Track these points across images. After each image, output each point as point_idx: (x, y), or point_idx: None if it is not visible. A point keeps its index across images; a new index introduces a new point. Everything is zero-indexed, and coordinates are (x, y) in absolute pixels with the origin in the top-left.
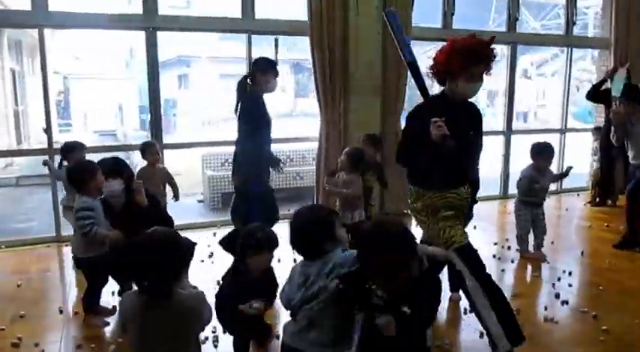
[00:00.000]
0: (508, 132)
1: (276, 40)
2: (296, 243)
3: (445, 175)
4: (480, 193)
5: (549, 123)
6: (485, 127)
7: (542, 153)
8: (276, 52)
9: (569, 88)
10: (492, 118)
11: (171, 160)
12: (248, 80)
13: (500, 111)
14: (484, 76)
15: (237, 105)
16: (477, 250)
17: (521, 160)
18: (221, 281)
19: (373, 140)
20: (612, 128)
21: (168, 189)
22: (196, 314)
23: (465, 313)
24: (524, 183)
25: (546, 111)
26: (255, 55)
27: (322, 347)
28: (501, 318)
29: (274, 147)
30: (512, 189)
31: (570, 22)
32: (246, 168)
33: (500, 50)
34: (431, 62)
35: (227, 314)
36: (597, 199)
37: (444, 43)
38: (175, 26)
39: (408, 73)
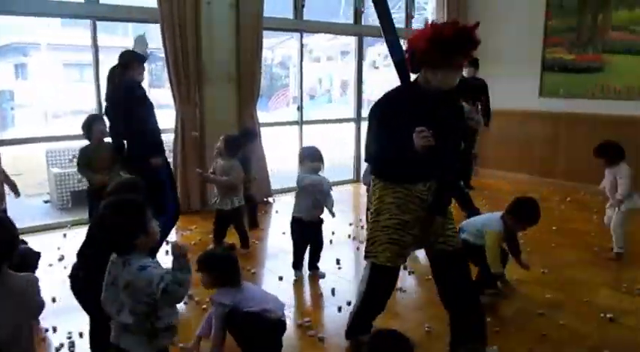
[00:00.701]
0: (358, 119)
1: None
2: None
3: (404, 168)
4: (335, 178)
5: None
6: (339, 115)
7: None
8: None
9: None
10: (346, 106)
11: (10, 159)
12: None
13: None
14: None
15: (109, 95)
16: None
17: None
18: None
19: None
20: None
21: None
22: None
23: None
24: None
25: None
26: (102, 44)
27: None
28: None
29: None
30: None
31: (409, 17)
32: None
33: (364, 41)
34: (406, 47)
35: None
36: None
37: (422, 27)
38: (9, 10)
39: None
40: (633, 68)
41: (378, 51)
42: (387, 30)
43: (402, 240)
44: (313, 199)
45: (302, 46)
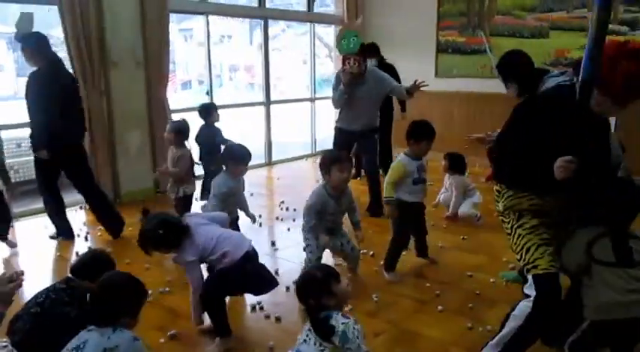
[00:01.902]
0: (267, 103)
1: None
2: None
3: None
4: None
5: (288, 94)
6: (246, 100)
7: None
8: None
9: (314, 61)
10: (235, 91)
11: None
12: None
13: (242, 85)
14: None
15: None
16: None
17: (281, 128)
18: None
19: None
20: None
21: None
22: None
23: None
24: None
25: (285, 82)
26: None
27: None
28: None
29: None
30: (276, 156)
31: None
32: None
33: (249, 23)
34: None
35: None
36: None
37: (615, 53)
38: None
39: None
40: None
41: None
42: (598, 43)
43: (551, 240)
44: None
45: (208, 26)
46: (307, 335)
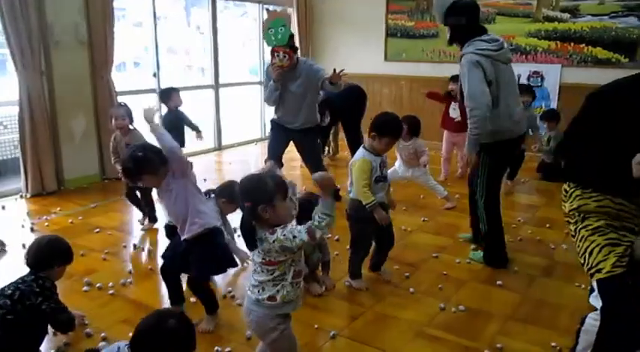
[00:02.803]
0: (216, 86)
1: None
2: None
3: (618, 180)
4: (196, 147)
5: (228, 78)
6: (195, 83)
7: None
8: None
9: (263, 44)
10: (174, 74)
11: None
12: None
13: (180, 68)
14: None
15: None
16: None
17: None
18: None
19: None
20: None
21: None
22: None
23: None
24: None
25: (225, 66)
26: None
27: None
28: None
29: None
30: (225, 141)
31: None
32: None
33: (185, 2)
34: None
35: None
36: None
37: None
38: None
39: None
40: None
41: (203, 13)
42: None
43: (622, 241)
44: None
45: (154, 7)
46: None
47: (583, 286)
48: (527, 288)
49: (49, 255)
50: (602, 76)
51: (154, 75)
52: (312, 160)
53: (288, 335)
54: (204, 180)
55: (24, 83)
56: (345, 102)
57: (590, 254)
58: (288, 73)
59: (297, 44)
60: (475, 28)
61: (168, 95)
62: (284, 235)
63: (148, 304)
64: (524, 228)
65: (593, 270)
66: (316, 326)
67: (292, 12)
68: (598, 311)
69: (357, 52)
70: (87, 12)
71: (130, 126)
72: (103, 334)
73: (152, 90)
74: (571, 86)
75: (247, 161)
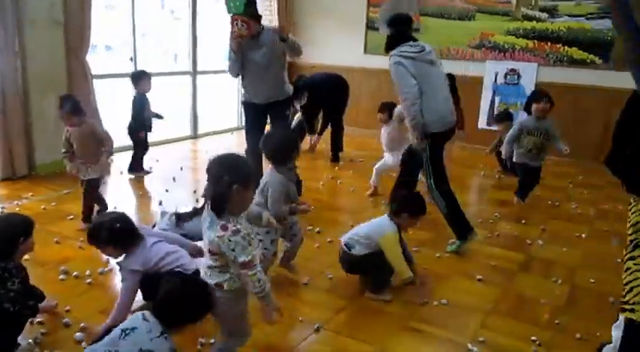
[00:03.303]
0: (194, 72)
1: None
2: None
3: None
4: (172, 135)
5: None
6: (170, 69)
7: None
8: None
9: None
10: (150, 59)
11: None
12: None
13: (155, 53)
14: None
15: None
16: None
17: (207, 98)
18: None
19: None
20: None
21: None
22: None
23: None
24: None
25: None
26: None
27: None
28: None
29: None
30: (202, 129)
31: None
32: None
33: None
34: None
35: None
36: None
37: None
38: None
39: None
40: (444, 30)
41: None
42: None
43: None
44: None
45: None
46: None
47: (560, 281)
48: (507, 283)
49: (9, 237)
50: (577, 76)
51: (131, 59)
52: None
53: (241, 316)
54: (181, 168)
55: None
56: (329, 93)
57: (631, 290)
58: (251, 43)
59: (259, 12)
60: (406, 37)
61: (137, 79)
62: (230, 240)
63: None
64: (501, 223)
65: (627, 307)
66: (300, 318)
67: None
68: (616, 345)
69: (337, 44)
70: None
71: (80, 119)
72: (82, 324)
73: (128, 75)
74: (547, 85)
75: (224, 150)
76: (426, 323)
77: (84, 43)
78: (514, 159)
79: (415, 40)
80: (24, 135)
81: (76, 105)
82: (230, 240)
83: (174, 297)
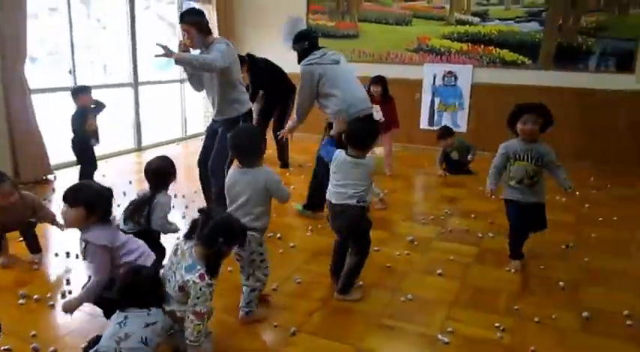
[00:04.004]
0: (135, 84)
1: None
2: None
3: None
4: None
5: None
6: (111, 80)
7: None
8: None
9: None
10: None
11: None
12: None
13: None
14: None
15: None
16: None
17: (150, 110)
18: None
19: None
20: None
21: None
22: None
23: None
24: None
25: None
26: None
27: None
28: None
29: None
30: (146, 141)
31: None
32: None
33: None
34: None
35: None
36: None
37: None
38: None
39: None
40: (383, 35)
41: (103, 6)
42: None
43: None
44: None
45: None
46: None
47: (512, 271)
48: (464, 275)
49: None
50: (509, 76)
51: (70, 72)
52: (213, 159)
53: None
54: (130, 182)
55: None
56: (280, 94)
57: None
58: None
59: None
60: (310, 49)
61: (77, 93)
62: (201, 289)
63: (94, 312)
64: (451, 219)
65: None
66: (275, 324)
67: (211, 10)
68: None
69: (279, 53)
70: None
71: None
72: (51, 348)
73: (67, 89)
74: (481, 85)
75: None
76: (395, 319)
77: (20, 56)
78: (503, 196)
79: (319, 48)
80: None
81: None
82: (201, 289)
83: (133, 284)
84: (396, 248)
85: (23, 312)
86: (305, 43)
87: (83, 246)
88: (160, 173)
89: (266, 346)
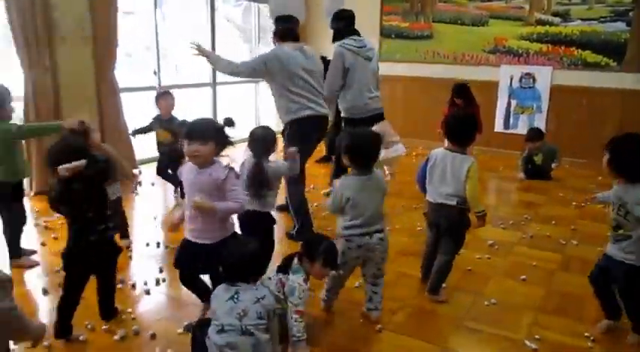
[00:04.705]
0: (214, 83)
1: None
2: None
3: None
4: None
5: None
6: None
7: None
8: None
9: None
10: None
11: None
12: None
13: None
14: None
15: None
16: None
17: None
18: None
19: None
20: None
21: None
22: None
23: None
24: None
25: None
26: None
27: None
28: None
29: None
30: None
31: None
32: None
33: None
34: None
35: None
36: None
37: None
38: None
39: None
40: (458, 36)
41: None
42: None
43: None
44: None
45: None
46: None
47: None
48: (549, 282)
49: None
50: (591, 79)
51: (155, 73)
52: None
53: None
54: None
55: (29, 79)
56: None
57: None
58: None
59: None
60: (350, 31)
61: (157, 98)
62: (303, 291)
63: (188, 300)
64: (532, 225)
65: None
66: (361, 320)
67: None
68: None
69: None
70: (92, 5)
71: None
72: (150, 332)
73: (152, 88)
74: (562, 88)
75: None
76: (480, 322)
77: (112, 57)
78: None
79: (353, 32)
80: None
81: None
82: (304, 291)
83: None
84: (477, 251)
85: (122, 296)
86: (341, 24)
87: (223, 177)
88: (266, 140)
89: (353, 341)
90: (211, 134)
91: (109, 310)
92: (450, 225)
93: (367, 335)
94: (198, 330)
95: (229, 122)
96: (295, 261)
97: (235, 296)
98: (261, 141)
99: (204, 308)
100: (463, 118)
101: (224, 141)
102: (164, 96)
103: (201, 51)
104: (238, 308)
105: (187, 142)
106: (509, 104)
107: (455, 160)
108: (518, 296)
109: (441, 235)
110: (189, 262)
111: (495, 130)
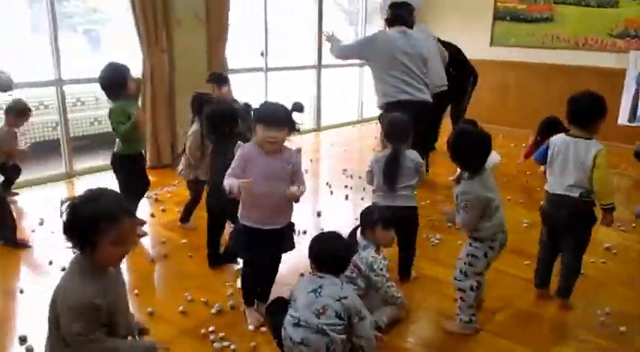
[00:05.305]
0: (319, 66)
1: None
2: None
3: None
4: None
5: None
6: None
7: None
8: None
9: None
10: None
11: None
12: None
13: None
14: None
15: None
16: None
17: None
18: None
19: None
20: None
21: None
22: None
23: None
24: None
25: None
26: None
27: None
28: None
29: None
30: (324, 122)
31: None
32: None
33: None
34: None
35: None
36: None
37: None
38: None
39: None
40: (582, 19)
41: None
42: None
43: None
44: None
45: None
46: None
47: None
48: None
49: None
50: None
51: (262, 54)
52: None
53: None
54: (311, 160)
55: (148, 60)
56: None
57: None
58: None
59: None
60: (401, 21)
61: (221, 82)
62: (380, 262)
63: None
64: None
65: None
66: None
67: None
68: None
69: (459, 36)
70: None
71: None
72: (242, 307)
73: (260, 69)
74: None
75: (347, 143)
76: (590, 332)
77: (223, 39)
78: None
79: (403, 23)
80: (169, 127)
81: None
82: (381, 262)
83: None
84: (590, 254)
85: (217, 272)
86: (392, 13)
87: (300, 162)
88: (407, 128)
89: (450, 341)
90: (287, 120)
91: None
92: (572, 220)
93: (465, 336)
94: (272, 315)
95: (299, 107)
96: (359, 236)
97: (319, 290)
98: (402, 128)
99: None
100: (589, 97)
101: (293, 128)
102: (227, 82)
103: (329, 38)
104: (318, 304)
105: (264, 128)
106: (637, 93)
107: (578, 146)
108: (636, 307)
109: (560, 234)
110: (259, 249)
111: (619, 123)
